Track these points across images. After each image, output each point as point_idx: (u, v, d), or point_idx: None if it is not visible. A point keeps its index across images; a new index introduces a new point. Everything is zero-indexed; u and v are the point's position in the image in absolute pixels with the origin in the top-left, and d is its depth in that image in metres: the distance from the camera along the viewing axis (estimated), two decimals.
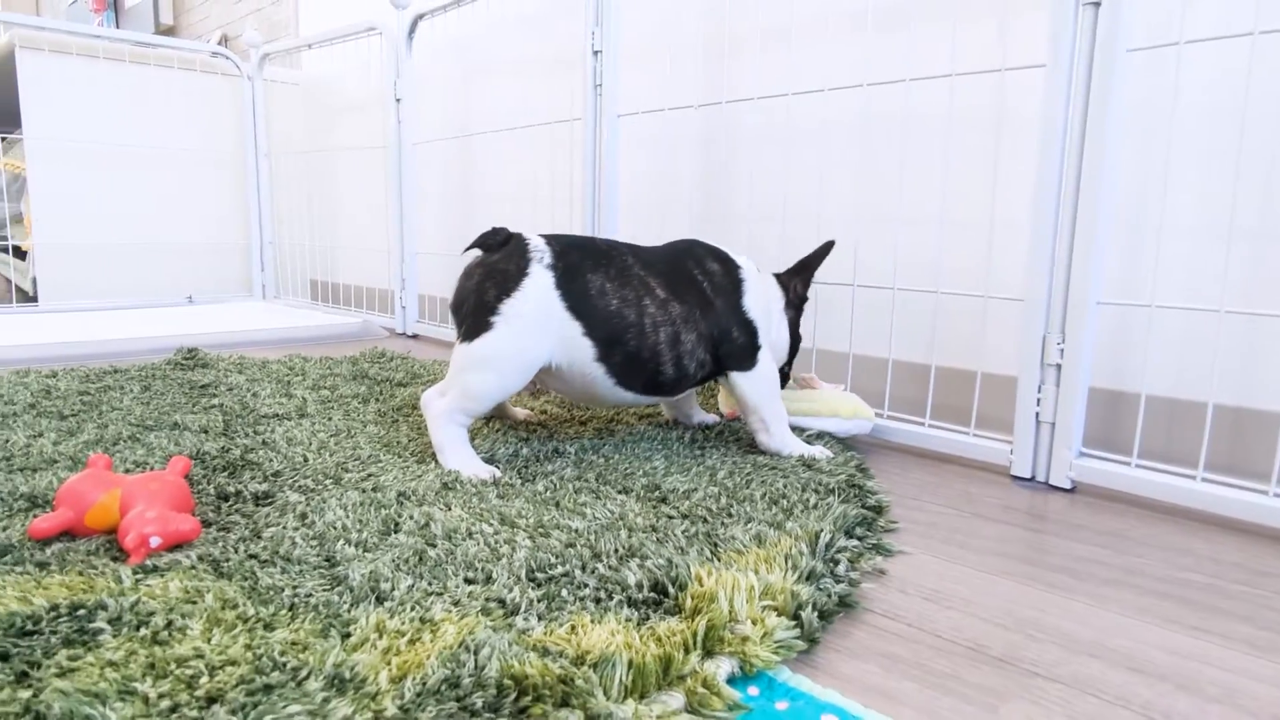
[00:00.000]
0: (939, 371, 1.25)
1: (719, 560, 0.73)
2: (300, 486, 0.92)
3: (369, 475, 0.96)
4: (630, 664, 0.55)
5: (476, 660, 0.52)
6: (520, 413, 1.31)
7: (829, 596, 0.70)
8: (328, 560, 0.72)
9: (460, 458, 1.02)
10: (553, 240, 1.07)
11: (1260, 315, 1.02)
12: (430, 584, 0.66)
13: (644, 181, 1.84)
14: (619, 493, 0.93)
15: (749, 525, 0.82)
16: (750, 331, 1.11)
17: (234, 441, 1.09)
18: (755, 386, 1.11)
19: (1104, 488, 1.07)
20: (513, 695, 0.49)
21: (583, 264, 1.05)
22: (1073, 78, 1.04)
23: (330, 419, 1.24)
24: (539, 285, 1.02)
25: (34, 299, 2.60)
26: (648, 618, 0.62)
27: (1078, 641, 0.69)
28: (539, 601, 0.64)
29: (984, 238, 1.24)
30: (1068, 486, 1.08)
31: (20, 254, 2.70)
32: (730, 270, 1.14)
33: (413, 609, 0.62)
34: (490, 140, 2.30)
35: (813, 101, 1.42)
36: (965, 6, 1.29)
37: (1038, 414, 1.10)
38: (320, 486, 0.92)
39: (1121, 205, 1.15)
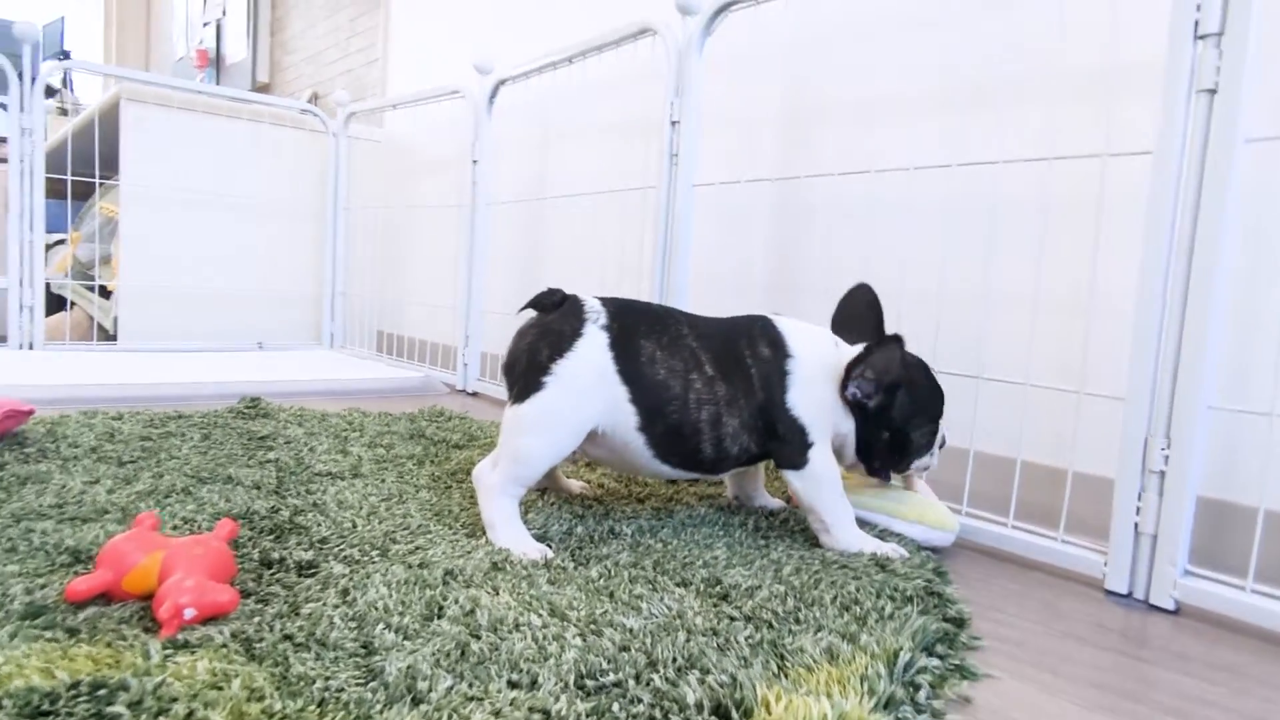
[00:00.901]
0: (1025, 467, 1.17)
1: (787, 677, 0.66)
2: (345, 557, 0.88)
3: (416, 548, 0.92)
4: None
5: None
6: (575, 485, 1.26)
7: None
8: (365, 647, 0.67)
9: (511, 535, 0.97)
10: (609, 302, 1.06)
11: None
12: (471, 685, 0.61)
13: (715, 250, 1.81)
14: (677, 585, 0.87)
15: (819, 635, 0.75)
16: (797, 430, 1.03)
17: (285, 501, 1.07)
18: (807, 487, 1.04)
19: (1212, 612, 0.97)
20: None
21: (637, 328, 1.03)
22: (1183, 167, 0.97)
23: (384, 481, 1.21)
24: (593, 345, 1.01)
25: (113, 338, 2.68)
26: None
27: None
28: (587, 717, 0.58)
29: (1080, 327, 1.16)
30: (1171, 608, 0.98)
31: (105, 294, 2.80)
32: (780, 359, 1.05)
33: (450, 715, 0.56)
34: (562, 205, 2.31)
35: (895, 177, 1.38)
36: (1060, 89, 1.23)
37: (1137, 524, 1.01)
38: (366, 558, 0.88)
39: (1234, 299, 1.06)
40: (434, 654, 0.65)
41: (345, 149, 2.99)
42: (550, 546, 0.97)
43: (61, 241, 3.20)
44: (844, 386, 1.04)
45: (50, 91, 4.42)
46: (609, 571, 0.89)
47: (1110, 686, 0.78)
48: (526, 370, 1.01)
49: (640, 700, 0.60)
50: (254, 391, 1.89)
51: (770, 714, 0.58)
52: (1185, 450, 0.97)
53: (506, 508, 1.00)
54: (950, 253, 1.34)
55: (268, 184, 2.93)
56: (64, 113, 4.59)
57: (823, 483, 1.03)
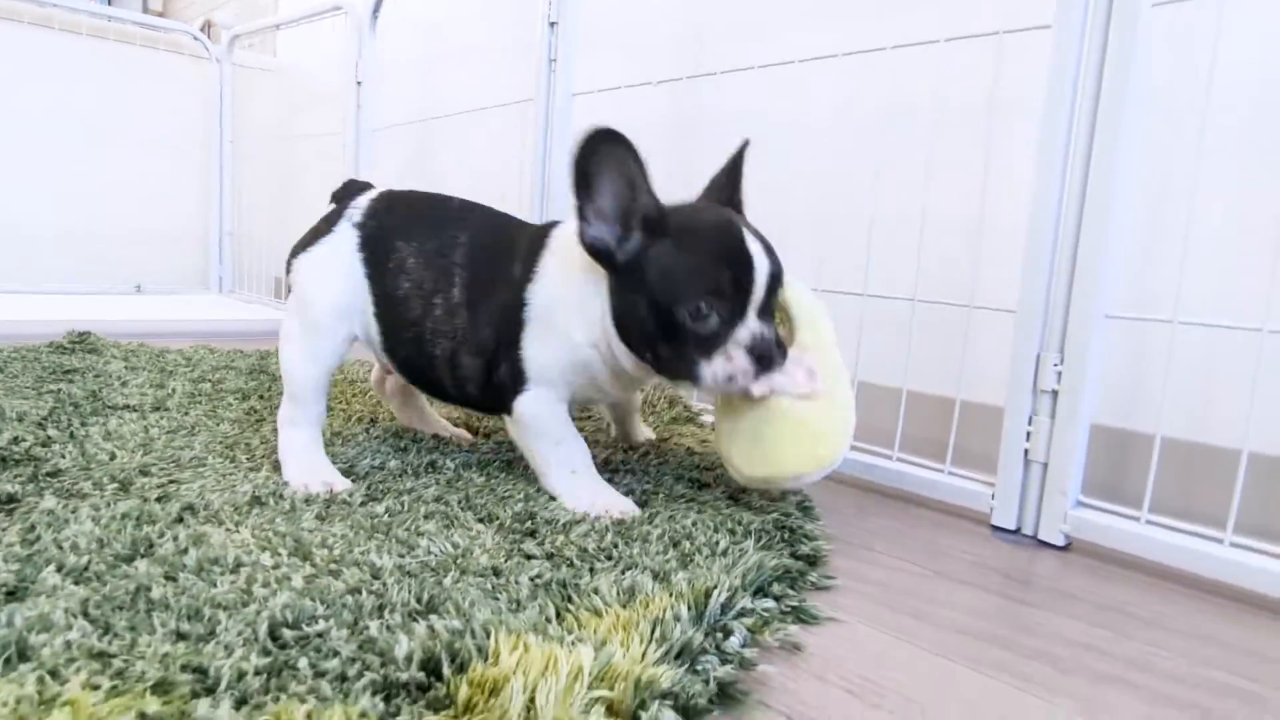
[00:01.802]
0: (913, 397, 1.04)
1: (562, 623, 0.52)
2: (69, 491, 0.71)
3: (170, 481, 0.76)
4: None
5: None
6: (445, 427, 1.08)
7: (704, 684, 0.49)
8: (11, 592, 0.51)
9: (297, 466, 0.83)
10: (383, 196, 0.95)
11: None
12: (113, 640, 0.46)
13: None
14: (479, 520, 0.72)
15: (626, 574, 0.61)
16: (515, 373, 0.82)
17: (37, 433, 0.89)
18: (516, 432, 0.86)
19: (1107, 548, 0.85)
20: None
21: (399, 228, 0.90)
22: (1085, 41, 0.84)
23: (187, 414, 1.04)
24: (339, 244, 0.90)
25: None
26: (397, 712, 0.41)
27: None
28: (255, 675, 0.43)
29: (972, 243, 1.04)
30: (1061, 543, 0.87)
31: None
32: (522, 285, 0.82)
33: (48, 676, 0.41)
34: (451, 128, 2.12)
35: (789, 88, 1.23)
36: None
37: (1027, 451, 0.89)
38: (96, 492, 0.71)
39: (1140, 202, 0.94)
40: (91, 600, 0.50)
41: (230, 76, 2.74)
42: (354, 480, 0.82)
43: None
44: (582, 231, 0.75)
45: None
46: (402, 506, 0.74)
47: (978, 631, 0.67)
48: (286, 270, 0.93)
49: (336, 654, 0.45)
50: (109, 332, 1.69)
51: (497, 664, 0.44)
52: (1080, 366, 0.85)
53: (294, 439, 0.86)
54: (842, 166, 1.20)
55: (147, 114, 2.67)
56: None
57: (527, 429, 0.83)
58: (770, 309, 0.77)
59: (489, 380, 0.84)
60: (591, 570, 0.62)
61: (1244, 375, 0.78)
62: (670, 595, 0.57)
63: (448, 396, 0.91)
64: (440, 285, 0.86)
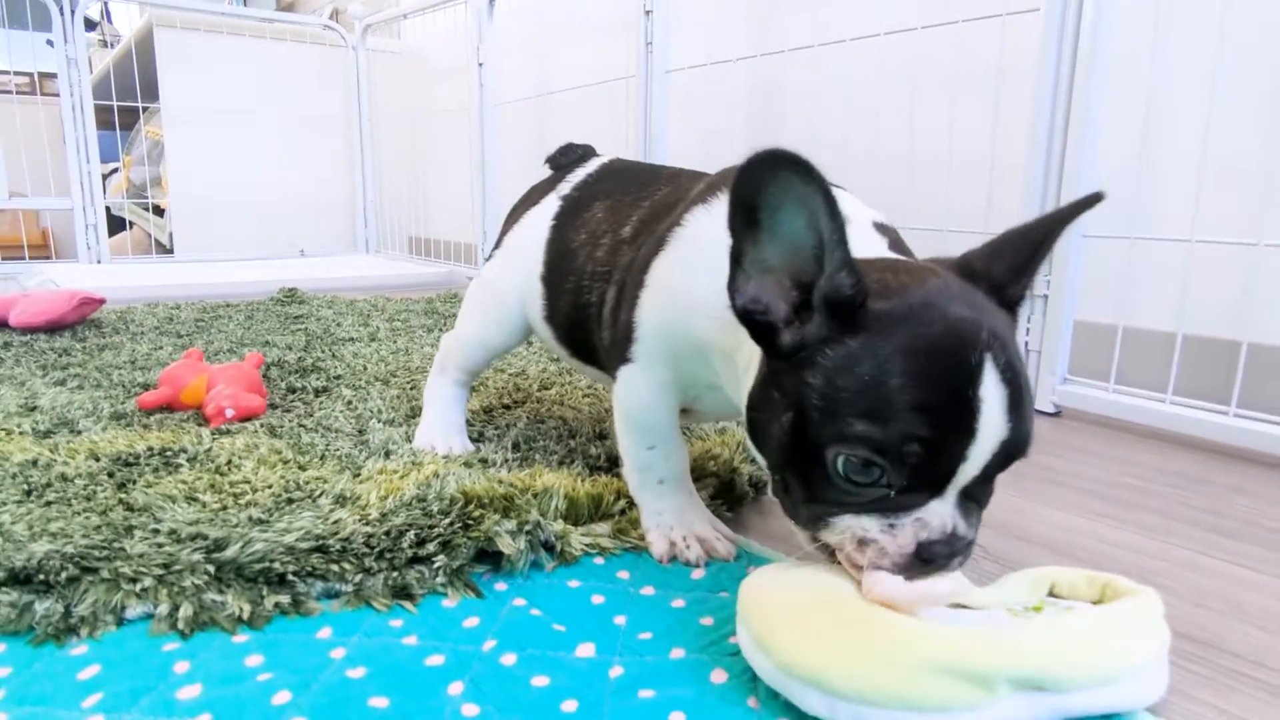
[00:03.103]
0: None
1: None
2: (354, 385, 1.10)
3: (412, 381, 1.13)
4: (566, 496, 0.69)
5: (442, 485, 0.67)
6: None
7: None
8: (359, 431, 0.89)
9: (429, 423, 0.87)
10: (604, 166, 0.86)
11: (1212, 243, 1.05)
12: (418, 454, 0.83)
13: (700, 135, 1.94)
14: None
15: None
16: (625, 328, 0.66)
17: (309, 354, 1.29)
18: (614, 405, 0.70)
19: (1086, 412, 1.13)
20: (462, 504, 0.64)
21: (603, 191, 0.81)
22: (1065, 20, 1.08)
23: (396, 342, 1.43)
24: (543, 213, 0.83)
25: (170, 251, 2.95)
26: (594, 472, 0.76)
27: (1012, 528, 0.77)
28: (513, 461, 0.79)
29: (986, 179, 1.29)
30: (1052, 410, 1.15)
31: (159, 212, 3.05)
32: (698, 199, 0.65)
33: (403, 461, 0.78)
34: (563, 101, 2.44)
35: (843, 55, 1.49)
36: None
37: (1026, 343, 1.17)
38: (370, 385, 1.10)
39: (1125, 142, 1.18)
40: (407, 433, 0.87)
41: (365, 62, 3.14)
42: (481, 447, 0.86)
43: (117, 170, 3.45)
44: (734, 279, 0.50)
45: (90, 24, 4.61)
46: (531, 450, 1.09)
47: None
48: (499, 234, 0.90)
49: (556, 453, 0.81)
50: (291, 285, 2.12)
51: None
52: (1063, 275, 1.12)
53: (437, 387, 0.90)
54: (882, 121, 1.46)
55: (297, 100, 3.11)
56: (105, 44, 4.79)
57: (620, 413, 0.69)
58: (985, 491, 0.50)
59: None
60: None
61: (1176, 277, 1.04)
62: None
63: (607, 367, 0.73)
64: (612, 227, 0.75)
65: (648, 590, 0.62)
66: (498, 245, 0.89)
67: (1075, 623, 0.47)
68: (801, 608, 0.48)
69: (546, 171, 0.92)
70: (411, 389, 1.07)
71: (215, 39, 2.92)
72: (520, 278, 0.83)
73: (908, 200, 1.38)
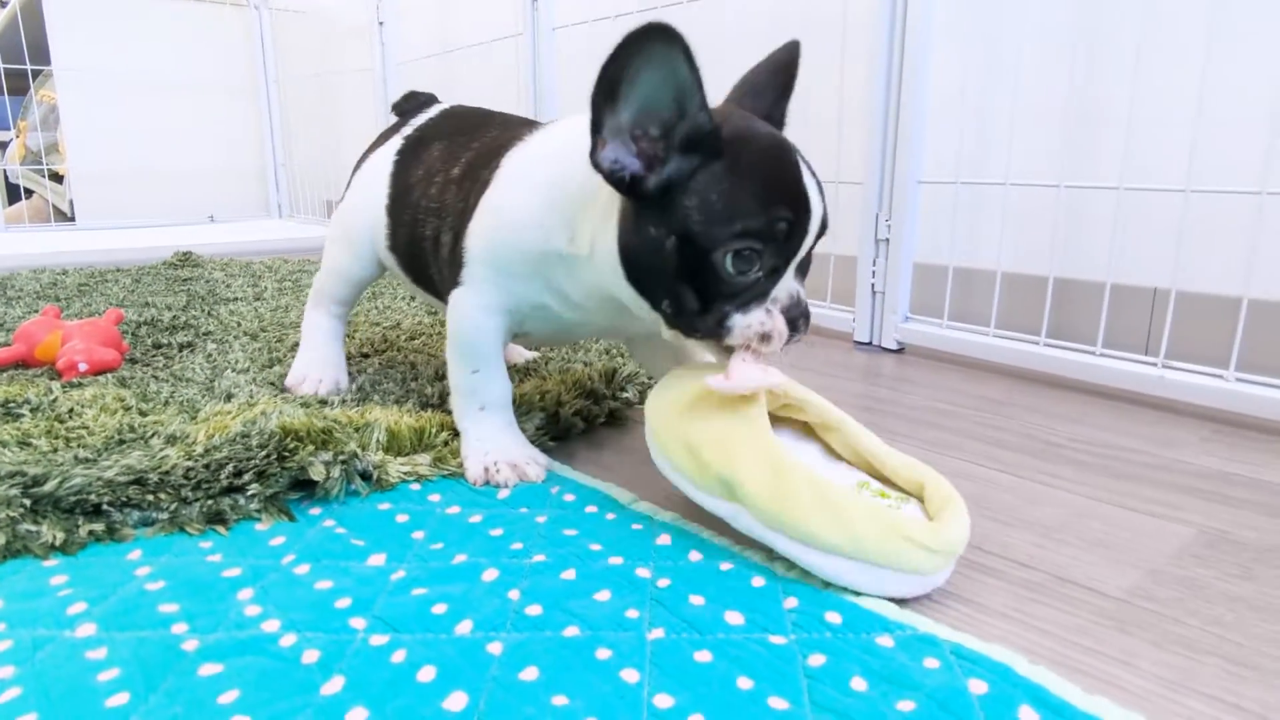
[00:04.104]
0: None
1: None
2: (221, 340, 1.12)
3: (281, 335, 1.16)
4: (388, 430, 0.74)
5: (266, 421, 0.71)
6: (523, 354, 1.08)
7: (599, 407, 0.87)
8: (211, 380, 0.92)
9: (303, 359, 0.92)
10: (445, 111, 0.92)
11: (1025, 185, 1.13)
12: (269, 390, 0.86)
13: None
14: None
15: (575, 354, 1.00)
16: (458, 254, 0.73)
17: (187, 313, 1.30)
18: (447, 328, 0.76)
19: (925, 347, 1.22)
20: (280, 438, 0.69)
21: (442, 133, 0.86)
22: None
23: (280, 300, 1.45)
24: (387, 152, 0.90)
25: (72, 219, 2.88)
26: (426, 409, 0.81)
27: None
28: (351, 401, 0.83)
29: (835, 131, 1.36)
30: (894, 347, 1.23)
31: (57, 178, 2.97)
32: (498, 156, 0.73)
33: (241, 404, 0.81)
34: (465, 58, 2.44)
35: (712, 11, 1.53)
36: None
37: (873, 285, 1.24)
38: (236, 340, 1.12)
39: (965, 93, 1.25)
40: (254, 378, 0.90)
41: (269, 22, 3.07)
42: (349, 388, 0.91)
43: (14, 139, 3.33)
44: (595, 148, 0.59)
45: None
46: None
47: (853, 405, 1.04)
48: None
49: (392, 394, 0.85)
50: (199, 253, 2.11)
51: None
52: (902, 219, 1.19)
53: (313, 320, 0.95)
54: None
55: (200, 62, 3.04)
56: None
57: (450, 338, 0.75)
58: (807, 266, 0.65)
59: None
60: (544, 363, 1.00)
61: (996, 219, 1.11)
62: (590, 367, 0.95)
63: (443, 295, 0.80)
64: (445, 167, 0.81)
65: (453, 510, 0.67)
66: (349, 185, 0.94)
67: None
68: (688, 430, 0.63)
69: None
70: (277, 341, 1.10)
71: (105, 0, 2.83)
72: (367, 213, 0.89)
73: None
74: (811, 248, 0.63)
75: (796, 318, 0.62)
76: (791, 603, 0.53)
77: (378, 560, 0.58)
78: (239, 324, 1.23)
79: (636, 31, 0.54)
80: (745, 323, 0.61)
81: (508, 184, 0.70)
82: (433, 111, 0.93)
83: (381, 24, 2.43)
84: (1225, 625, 0.52)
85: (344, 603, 0.53)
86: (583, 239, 0.65)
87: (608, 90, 0.57)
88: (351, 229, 0.91)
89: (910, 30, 1.13)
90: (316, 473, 0.66)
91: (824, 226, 0.62)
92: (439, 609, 0.52)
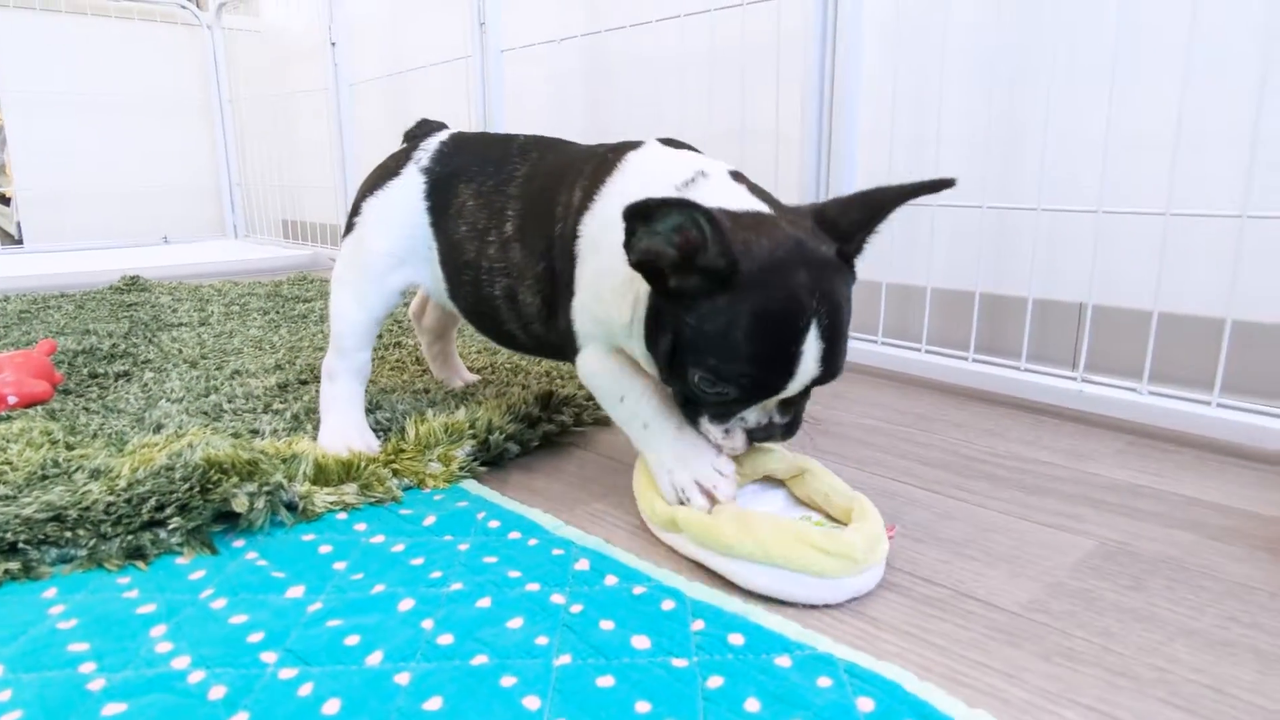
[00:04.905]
0: None
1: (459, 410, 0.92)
2: (159, 369, 1.12)
3: (221, 363, 1.16)
4: (315, 462, 0.74)
5: (191, 454, 0.72)
6: (466, 377, 1.10)
7: (534, 430, 0.88)
8: (144, 411, 0.92)
9: (329, 428, 0.84)
10: (451, 139, 0.90)
11: (951, 206, 1.17)
12: (201, 420, 0.86)
13: (540, 113, 1.99)
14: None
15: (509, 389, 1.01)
16: (568, 324, 0.75)
17: (128, 340, 1.30)
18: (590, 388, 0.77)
19: (864, 365, 1.24)
20: (203, 471, 0.69)
21: (464, 170, 0.85)
22: (828, 4, 1.17)
23: (226, 326, 1.44)
24: (406, 189, 0.87)
25: (19, 242, 2.83)
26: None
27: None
28: (284, 431, 0.84)
29: (773, 147, 1.39)
30: None
31: (4, 200, 2.92)
32: (581, 210, 0.73)
33: (170, 435, 0.81)
34: (417, 79, 2.45)
35: (654, 35, 1.56)
36: None
37: None
38: (175, 369, 1.12)
39: (896, 118, 1.29)
40: (186, 407, 0.90)
41: (221, 41, 3.06)
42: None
43: None
44: (630, 229, 0.59)
45: None
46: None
47: None
48: (349, 212, 0.91)
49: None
50: (151, 277, 2.09)
51: (418, 430, 0.83)
52: None
53: (332, 395, 0.87)
54: (694, 96, 1.54)
55: (152, 82, 3.01)
56: None
57: (592, 389, 0.76)
58: (803, 398, 0.67)
59: (554, 318, 0.78)
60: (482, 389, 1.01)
61: (923, 237, 1.15)
62: (527, 391, 0.96)
63: (523, 345, 0.86)
64: (494, 222, 0.81)
65: (377, 539, 0.68)
66: (355, 214, 0.89)
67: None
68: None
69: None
70: (216, 370, 1.10)
71: (53, 19, 2.80)
72: (401, 248, 0.86)
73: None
74: (805, 393, 0.66)
75: (770, 435, 0.67)
76: (699, 625, 0.54)
77: (296, 592, 0.59)
78: (180, 351, 1.23)
79: (640, 207, 0.57)
80: (706, 428, 0.68)
81: (595, 259, 0.72)
82: (443, 136, 0.91)
83: (334, 44, 2.43)
84: (1110, 636, 0.54)
85: (257, 637, 0.53)
86: (626, 306, 0.69)
87: (642, 213, 0.58)
88: (374, 266, 0.86)
89: (840, 55, 1.16)
90: (239, 504, 0.67)
91: (820, 382, 0.63)
92: (351, 640, 0.53)
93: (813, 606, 0.58)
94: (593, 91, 1.83)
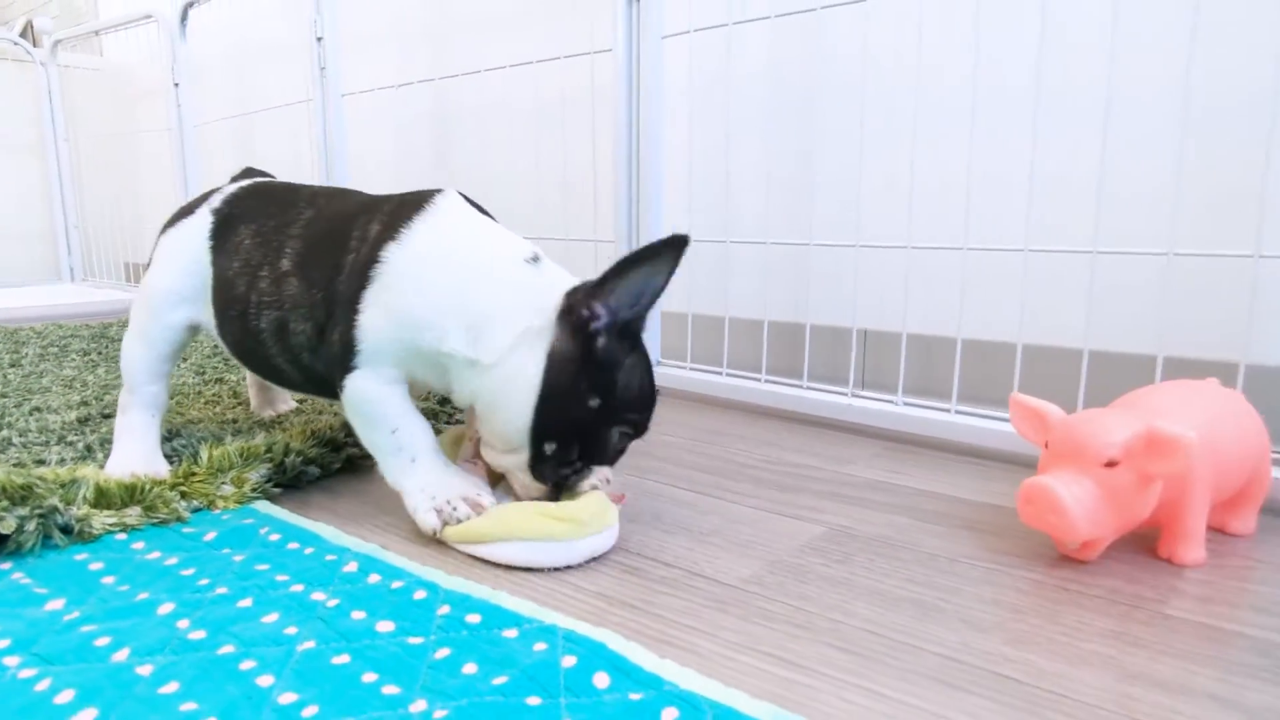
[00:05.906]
0: None
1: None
2: None
3: (23, 400, 1.13)
4: (96, 486, 0.76)
5: None
6: (288, 403, 1.14)
7: (338, 454, 0.92)
8: None
9: (117, 455, 0.86)
10: (253, 185, 0.94)
11: (747, 243, 1.29)
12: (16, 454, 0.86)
13: (387, 156, 2.03)
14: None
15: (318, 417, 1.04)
16: (347, 342, 0.75)
17: None
18: (351, 418, 0.79)
19: (675, 389, 1.33)
20: None
21: (250, 212, 0.88)
22: (632, 60, 1.28)
23: (39, 367, 1.40)
24: (194, 229, 0.90)
25: None
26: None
27: None
28: (71, 459, 0.84)
29: (591, 192, 1.48)
30: None
31: None
32: (383, 240, 0.75)
33: None
34: (263, 122, 2.44)
35: (489, 84, 1.64)
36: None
37: None
38: None
39: (694, 169, 1.40)
40: None
41: (57, 79, 2.95)
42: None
43: None
44: (588, 296, 0.69)
45: None
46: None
47: None
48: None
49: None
50: None
51: (210, 457, 0.85)
52: None
53: (123, 425, 0.89)
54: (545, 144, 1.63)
55: None
56: None
57: (356, 415, 0.77)
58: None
59: (326, 342, 0.78)
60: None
61: (748, 270, 1.26)
62: (336, 418, 0.99)
63: (290, 380, 0.87)
64: (268, 259, 0.83)
65: (153, 555, 0.70)
66: (152, 255, 0.92)
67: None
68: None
69: None
70: (15, 407, 1.08)
71: None
72: (180, 285, 0.89)
73: (536, 214, 1.55)
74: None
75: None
76: (444, 610, 0.60)
77: (56, 605, 0.61)
78: None
79: (675, 240, 0.68)
80: (586, 476, 0.76)
81: (399, 285, 0.73)
82: (244, 185, 0.94)
83: (177, 85, 2.40)
84: (806, 600, 0.63)
85: (3, 644, 0.55)
86: (493, 348, 0.71)
87: (625, 268, 0.68)
88: (153, 302, 0.90)
89: (644, 103, 1.27)
90: (6, 527, 0.68)
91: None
92: (102, 642, 0.55)
93: (557, 587, 0.64)
94: (438, 139, 1.90)
